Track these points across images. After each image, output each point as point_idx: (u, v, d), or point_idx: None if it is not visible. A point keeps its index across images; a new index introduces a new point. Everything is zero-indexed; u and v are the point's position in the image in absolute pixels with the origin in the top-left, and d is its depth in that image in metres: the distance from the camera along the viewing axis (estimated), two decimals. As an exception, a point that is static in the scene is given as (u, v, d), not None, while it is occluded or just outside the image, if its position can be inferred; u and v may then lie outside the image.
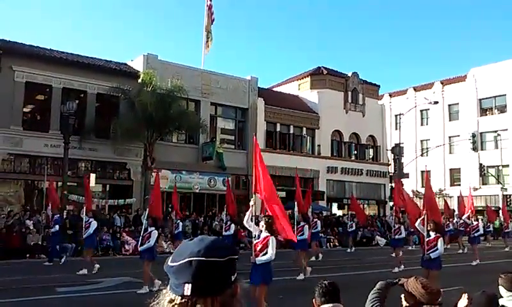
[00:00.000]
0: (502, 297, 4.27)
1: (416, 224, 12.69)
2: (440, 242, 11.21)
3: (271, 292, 11.26)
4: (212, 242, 1.30)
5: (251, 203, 8.85)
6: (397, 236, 18.34)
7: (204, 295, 1.24)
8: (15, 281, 12.76)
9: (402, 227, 18.56)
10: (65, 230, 19.94)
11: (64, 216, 20.99)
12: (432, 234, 11.29)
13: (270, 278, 8.66)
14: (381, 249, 26.34)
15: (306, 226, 15.98)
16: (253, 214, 8.95)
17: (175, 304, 1.26)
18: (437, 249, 11.06)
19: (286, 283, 12.84)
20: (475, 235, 21.41)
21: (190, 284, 1.23)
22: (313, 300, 3.62)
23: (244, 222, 9.13)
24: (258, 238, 8.66)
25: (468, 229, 23.19)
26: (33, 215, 21.14)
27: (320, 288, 3.60)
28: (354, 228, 25.69)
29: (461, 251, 24.00)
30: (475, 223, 22.23)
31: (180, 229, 21.12)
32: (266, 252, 8.40)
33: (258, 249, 8.52)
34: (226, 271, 1.28)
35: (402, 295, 3.32)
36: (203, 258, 1.24)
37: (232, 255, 1.30)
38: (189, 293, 1.23)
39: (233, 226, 19.96)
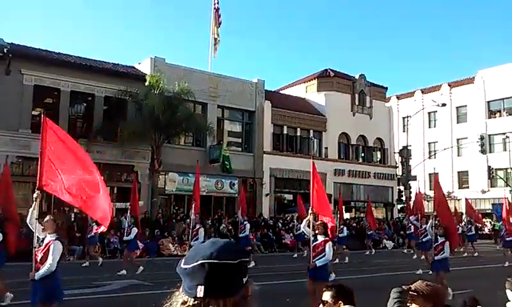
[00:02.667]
0: (509, 300, 4.20)
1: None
2: (328, 246, 9.24)
3: (278, 295, 11.23)
4: (224, 245, 1.32)
5: (35, 195, 6.87)
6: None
7: (217, 296, 1.27)
8: (22, 283, 12.80)
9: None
10: (73, 233, 20.05)
11: (72, 219, 21.14)
12: (320, 238, 9.35)
13: (56, 295, 6.75)
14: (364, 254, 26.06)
15: (202, 230, 15.11)
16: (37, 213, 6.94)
17: (188, 305, 1.28)
18: (324, 255, 9.18)
19: (292, 286, 12.81)
20: (423, 240, 18.48)
21: (203, 286, 1.25)
22: (323, 301, 3.54)
23: (28, 221, 7.17)
24: (40, 246, 6.80)
25: (417, 233, 20.62)
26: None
27: (335, 288, 3.53)
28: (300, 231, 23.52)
29: (415, 256, 21.59)
30: (424, 227, 19.20)
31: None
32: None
33: (38, 259, 6.67)
34: (238, 273, 1.30)
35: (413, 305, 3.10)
36: (216, 261, 1.26)
37: (243, 258, 1.32)
38: (202, 295, 1.26)
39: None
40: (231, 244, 1.37)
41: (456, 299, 10.89)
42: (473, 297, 4.08)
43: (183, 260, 1.32)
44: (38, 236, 6.81)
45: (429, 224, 15.97)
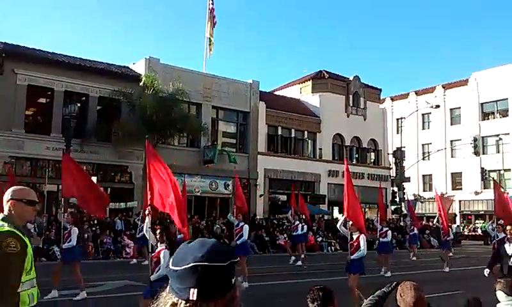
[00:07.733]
0: (499, 302, 4.21)
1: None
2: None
3: (271, 297, 11.25)
4: (213, 246, 1.32)
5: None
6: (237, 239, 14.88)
7: (208, 299, 1.27)
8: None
9: (241, 228, 15.47)
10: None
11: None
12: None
13: None
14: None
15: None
16: None
17: None
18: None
19: (285, 288, 12.82)
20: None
21: (196, 289, 1.26)
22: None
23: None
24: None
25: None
26: (34, 218, 21.13)
27: (311, 293, 3.46)
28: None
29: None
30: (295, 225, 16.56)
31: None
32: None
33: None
34: (228, 275, 1.31)
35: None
36: (208, 263, 1.26)
37: (232, 259, 1.32)
38: (195, 298, 1.26)
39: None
40: (220, 245, 1.36)
41: (453, 299, 10.96)
42: (476, 297, 4.05)
43: (171, 261, 1.31)
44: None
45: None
